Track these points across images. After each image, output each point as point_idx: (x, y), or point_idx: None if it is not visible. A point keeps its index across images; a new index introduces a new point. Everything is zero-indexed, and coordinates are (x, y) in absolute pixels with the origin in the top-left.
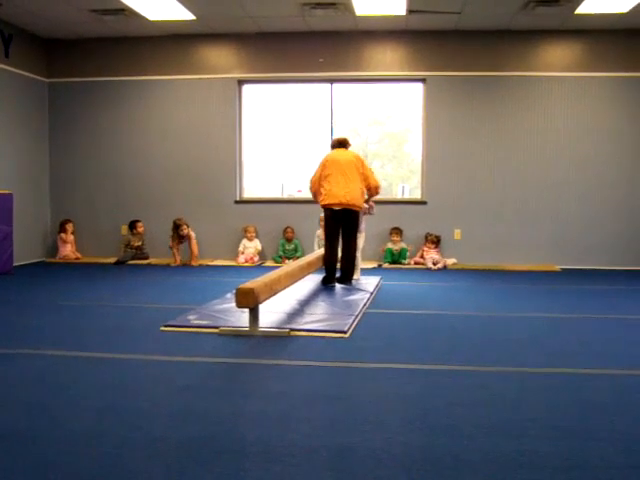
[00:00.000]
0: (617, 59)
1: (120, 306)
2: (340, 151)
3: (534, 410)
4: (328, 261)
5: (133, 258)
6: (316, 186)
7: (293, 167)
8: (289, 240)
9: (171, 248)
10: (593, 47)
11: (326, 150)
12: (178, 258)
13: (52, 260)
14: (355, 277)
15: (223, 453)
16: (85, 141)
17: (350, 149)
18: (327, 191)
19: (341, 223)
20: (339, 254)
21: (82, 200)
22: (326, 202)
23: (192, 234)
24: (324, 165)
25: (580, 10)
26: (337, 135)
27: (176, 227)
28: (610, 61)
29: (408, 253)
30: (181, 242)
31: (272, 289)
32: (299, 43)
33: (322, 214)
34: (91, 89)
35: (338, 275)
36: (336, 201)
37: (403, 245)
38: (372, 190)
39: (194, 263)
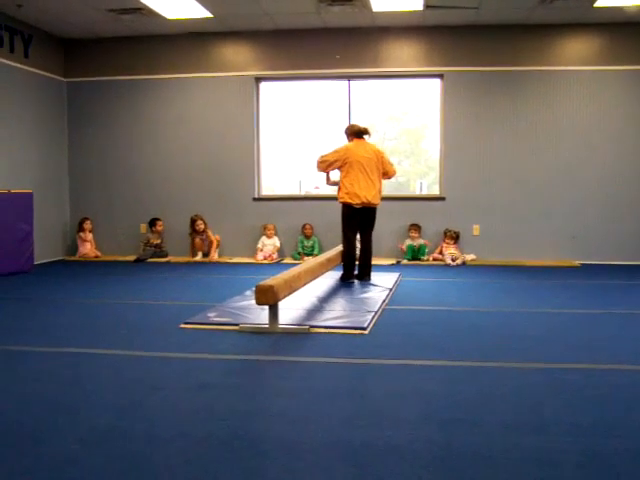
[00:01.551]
0: (637, 52)
1: (140, 304)
2: (361, 145)
3: (554, 406)
4: (347, 257)
5: (152, 256)
6: (325, 170)
7: (311, 164)
8: (308, 237)
9: (190, 236)
10: (612, 40)
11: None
12: (198, 253)
13: (72, 258)
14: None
15: (244, 450)
16: (103, 140)
17: (369, 140)
18: (348, 190)
19: (360, 219)
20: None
21: (101, 198)
22: (346, 201)
23: (209, 230)
24: (344, 159)
25: (599, 3)
26: (356, 122)
27: (192, 222)
28: (630, 54)
29: (427, 249)
30: (200, 237)
31: (291, 286)
32: (316, 40)
33: None
34: (109, 88)
35: (357, 272)
36: (358, 201)
37: (422, 241)
38: (390, 178)
39: (213, 255)
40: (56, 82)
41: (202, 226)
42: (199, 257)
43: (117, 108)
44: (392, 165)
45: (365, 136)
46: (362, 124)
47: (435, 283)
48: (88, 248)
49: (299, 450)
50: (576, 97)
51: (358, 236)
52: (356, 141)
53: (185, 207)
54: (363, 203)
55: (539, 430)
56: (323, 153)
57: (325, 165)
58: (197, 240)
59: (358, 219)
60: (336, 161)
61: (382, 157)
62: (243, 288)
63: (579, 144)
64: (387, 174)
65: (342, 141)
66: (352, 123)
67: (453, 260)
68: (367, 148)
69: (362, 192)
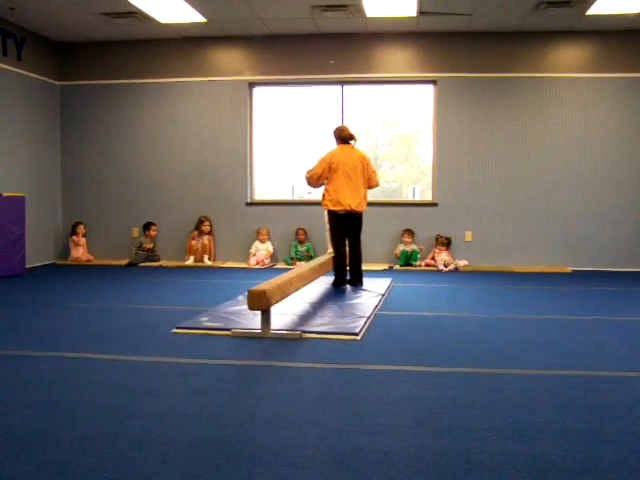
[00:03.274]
0: (629, 60)
1: (132, 308)
2: (346, 151)
3: (547, 413)
4: (338, 263)
5: (145, 260)
6: (316, 183)
7: (304, 169)
8: (301, 242)
9: (192, 233)
10: (605, 48)
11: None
12: (190, 257)
13: (64, 262)
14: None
15: (235, 455)
16: (96, 143)
17: (356, 146)
18: (332, 197)
19: (346, 226)
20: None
21: (94, 202)
22: (330, 208)
23: (211, 235)
24: (329, 166)
25: (592, 11)
26: (344, 126)
27: (200, 222)
28: (622, 62)
29: (419, 255)
30: (202, 239)
31: (284, 291)
32: (310, 45)
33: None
34: (102, 92)
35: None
36: (341, 208)
37: (414, 247)
38: (372, 188)
39: (210, 260)
40: (49, 85)
41: (209, 228)
42: (190, 261)
43: (110, 112)
44: (375, 174)
45: (351, 141)
46: (353, 129)
47: (427, 289)
48: (80, 252)
49: (290, 456)
50: (569, 104)
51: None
52: (341, 146)
53: (177, 212)
54: (347, 210)
55: (531, 436)
56: (309, 168)
57: (315, 178)
58: (193, 242)
59: (344, 225)
60: (324, 171)
61: (367, 164)
62: (235, 293)
63: (571, 151)
64: (370, 182)
65: (333, 145)
66: (343, 126)
67: (445, 266)
68: (352, 154)
69: (346, 200)
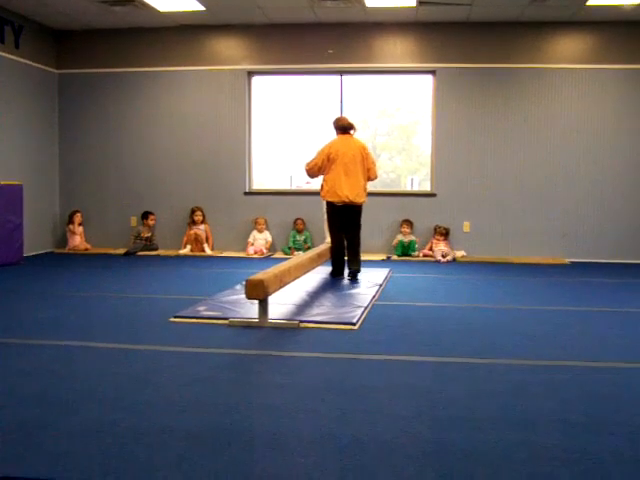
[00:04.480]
0: (629, 51)
1: (129, 297)
2: (346, 141)
3: (544, 403)
4: (336, 254)
5: (142, 249)
6: (316, 175)
7: (302, 158)
8: (300, 231)
9: (188, 225)
10: (605, 39)
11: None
12: (187, 246)
13: (61, 251)
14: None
15: (232, 444)
16: (95, 132)
17: (355, 136)
18: (330, 187)
19: (344, 218)
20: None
21: (91, 191)
22: (328, 199)
23: (206, 224)
24: (328, 156)
25: (592, 1)
26: (342, 116)
27: (192, 212)
28: (622, 53)
29: (417, 245)
30: (197, 229)
31: (282, 281)
32: (309, 34)
33: None
34: (101, 80)
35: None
36: (338, 199)
37: (412, 237)
38: (370, 180)
39: (208, 249)
40: (48, 74)
41: (200, 217)
42: (187, 250)
43: (109, 100)
44: (375, 165)
45: (351, 131)
46: (352, 119)
47: (425, 279)
48: (78, 241)
49: (288, 444)
50: (568, 95)
51: None
52: (340, 136)
53: (175, 200)
54: (344, 202)
55: (529, 426)
56: (308, 160)
57: (316, 169)
58: (190, 232)
59: (342, 216)
60: (323, 162)
61: (367, 154)
62: (233, 282)
63: (571, 141)
64: (368, 173)
65: (332, 135)
66: (342, 116)
67: (443, 256)
68: (351, 144)
69: (343, 191)
